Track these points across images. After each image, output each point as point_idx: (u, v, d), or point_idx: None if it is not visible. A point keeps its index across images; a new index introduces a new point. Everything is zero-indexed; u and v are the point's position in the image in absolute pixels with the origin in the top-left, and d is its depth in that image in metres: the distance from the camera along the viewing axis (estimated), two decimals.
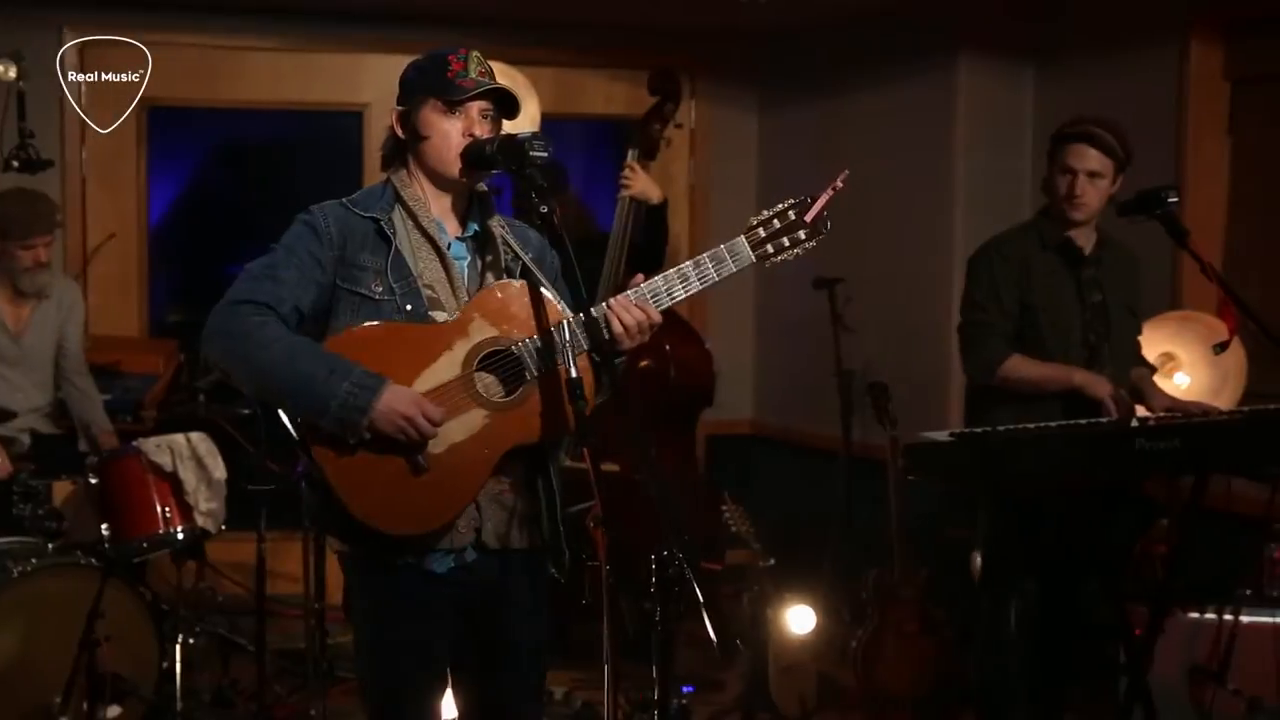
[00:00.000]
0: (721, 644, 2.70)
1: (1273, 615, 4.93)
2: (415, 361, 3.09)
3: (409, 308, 3.14)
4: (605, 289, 5.66)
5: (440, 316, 3.16)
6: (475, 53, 3.23)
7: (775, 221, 3.17)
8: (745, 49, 7.49)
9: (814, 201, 3.12)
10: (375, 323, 3.12)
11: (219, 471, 5.10)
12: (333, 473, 3.07)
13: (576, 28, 7.09)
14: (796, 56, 7.33)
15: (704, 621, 2.71)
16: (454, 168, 3.20)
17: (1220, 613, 4.93)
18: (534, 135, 3.08)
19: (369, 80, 6.95)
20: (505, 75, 6.45)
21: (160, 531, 5.01)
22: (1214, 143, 5.85)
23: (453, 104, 3.17)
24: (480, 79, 3.20)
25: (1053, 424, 4.19)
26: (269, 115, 7.36)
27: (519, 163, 3.07)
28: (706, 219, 7.44)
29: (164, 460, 5.01)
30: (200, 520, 5.06)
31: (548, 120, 6.51)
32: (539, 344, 3.12)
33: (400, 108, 3.27)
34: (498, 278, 3.24)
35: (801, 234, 3.18)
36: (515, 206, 5.09)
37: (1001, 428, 4.07)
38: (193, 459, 5.05)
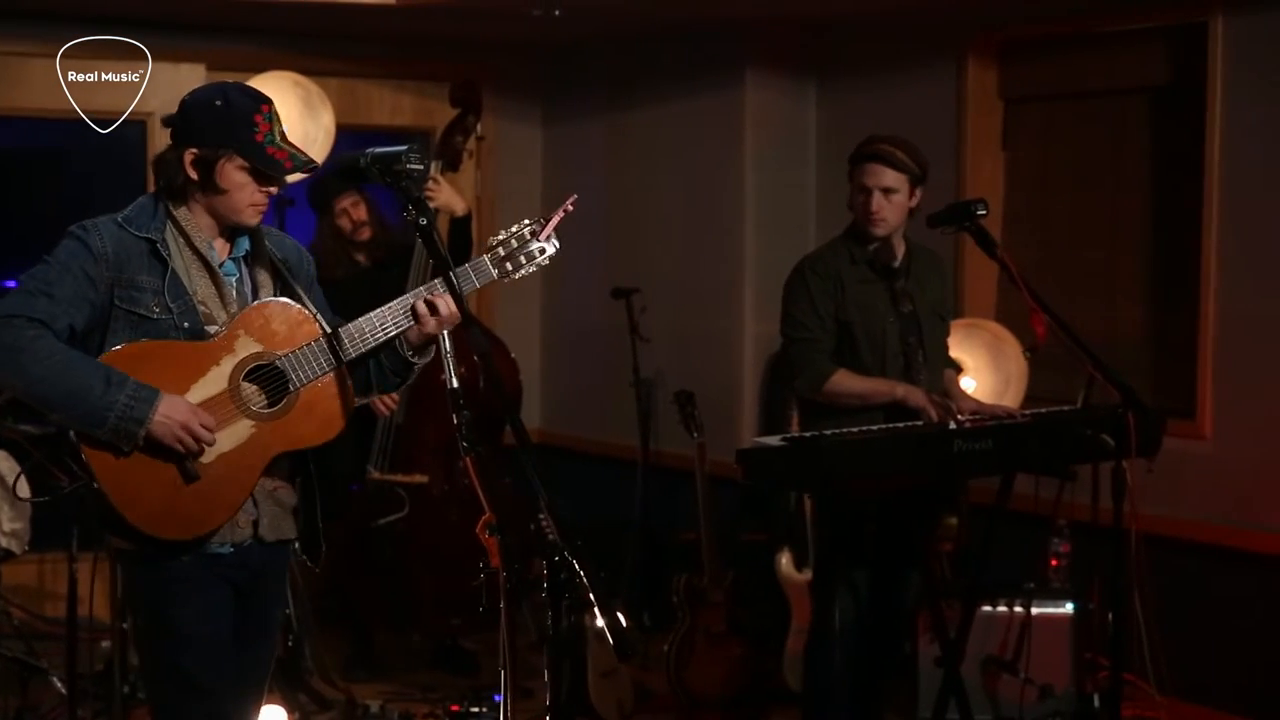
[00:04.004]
0: (619, 644, 2.75)
1: (1059, 606, 5.22)
2: (185, 376, 3.24)
3: (186, 325, 3.26)
4: None
5: (213, 331, 3.28)
6: (273, 107, 3.29)
7: (513, 241, 3.38)
8: (530, 62, 7.55)
9: (547, 222, 3.37)
10: (146, 340, 3.23)
11: (22, 490, 4.93)
12: (107, 482, 3.18)
13: (363, 38, 7.05)
14: (582, 70, 7.42)
15: (598, 621, 2.75)
16: (247, 217, 3.29)
17: (1011, 606, 5.20)
18: (409, 148, 3.12)
19: (152, 89, 6.76)
20: (299, 85, 6.41)
21: None
22: (990, 159, 6.15)
23: (264, 176, 3.25)
24: (292, 151, 3.26)
25: (875, 428, 4.38)
26: (43, 123, 7.11)
27: (393, 176, 3.11)
28: (493, 230, 7.42)
29: None
30: (4, 540, 4.90)
31: (336, 131, 6.47)
32: (301, 357, 3.27)
33: (195, 150, 3.24)
34: (267, 291, 3.38)
35: (536, 252, 3.38)
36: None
37: (830, 432, 4.24)
38: None
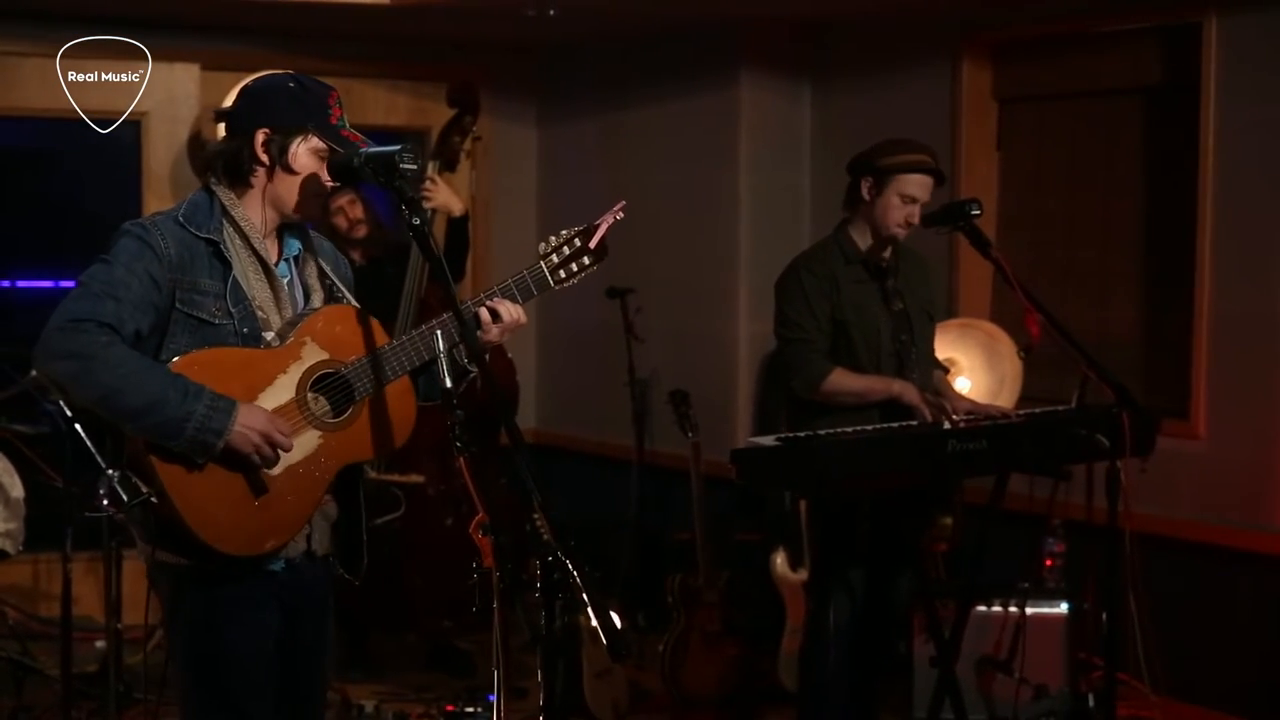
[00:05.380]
0: (612, 645, 2.76)
1: (1054, 607, 5.22)
2: (254, 384, 3.12)
3: (245, 330, 3.15)
4: (407, 301, 5.66)
5: (269, 336, 3.18)
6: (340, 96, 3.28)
7: (565, 249, 3.38)
8: (525, 62, 7.55)
9: (596, 229, 3.39)
10: (215, 347, 3.12)
11: (17, 490, 4.94)
12: (178, 497, 3.05)
13: (358, 38, 7.05)
14: (577, 70, 7.43)
15: (592, 621, 2.76)
16: (307, 209, 3.23)
17: (1005, 606, 5.20)
18: (404, 148, 3.09)
19: (147, 90, 6.76)
20: None
21: None
22: (984, 160, 6.16)
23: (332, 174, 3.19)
24: (363, 137, 3.22)
25: (869, 427, 4.38)
26: (35, 123, 7.10)
27: (388, 175, 3.08)
28: (489, 230, 7.47)
29: None
30: None
31: None
32: (367, 365, 3.19)
33: (269, 130, 3.18)
34: (317, 293, 3.30)
35: (587, 259, 3.40)
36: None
37: (824, 432, 4.24)
38: None
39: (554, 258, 3.36)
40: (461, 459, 2.98)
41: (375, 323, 3.27)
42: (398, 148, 3.10)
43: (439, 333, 3.12)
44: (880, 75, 6.42)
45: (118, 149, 6.89)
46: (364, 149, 3.14)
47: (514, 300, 3.29)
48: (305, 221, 3.30)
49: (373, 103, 7.25)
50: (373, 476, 5.77)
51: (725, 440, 5.65)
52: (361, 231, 5.84)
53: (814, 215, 6.57)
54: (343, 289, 3.33)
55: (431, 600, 5.79)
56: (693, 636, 5.56)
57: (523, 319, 3.30)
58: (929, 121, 6.03)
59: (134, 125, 6.83)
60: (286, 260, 3.28)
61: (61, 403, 4.42)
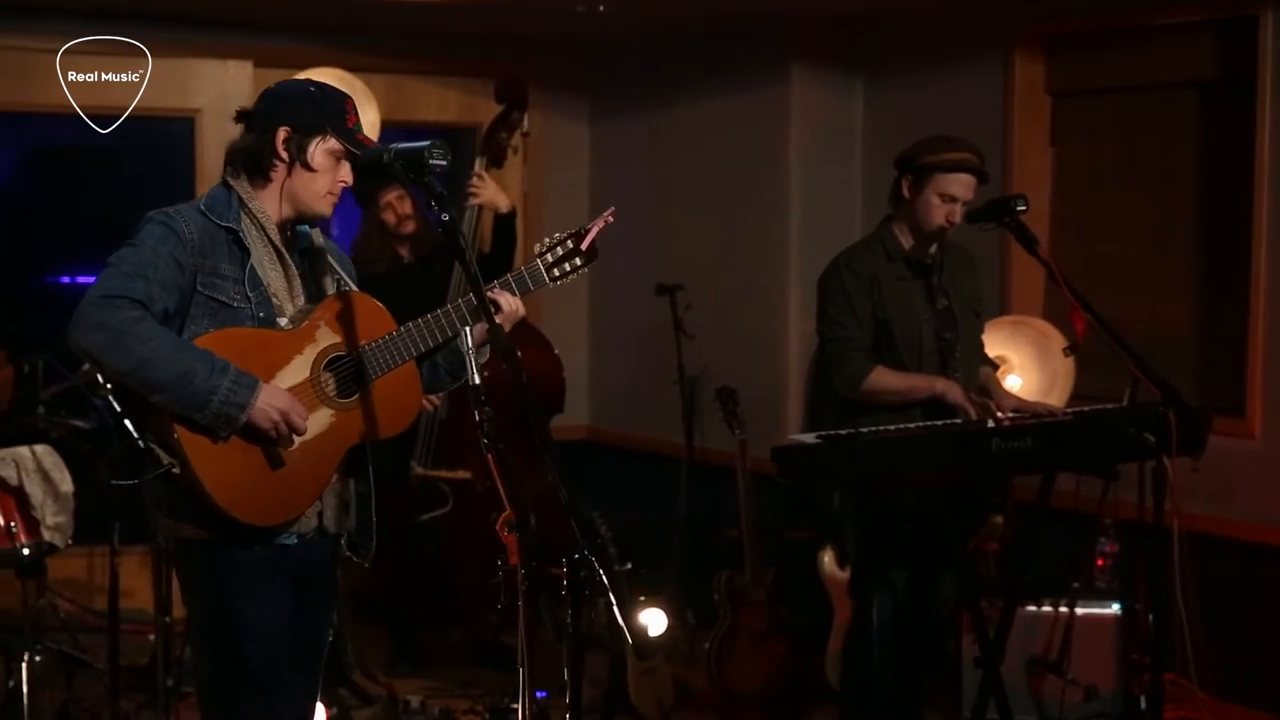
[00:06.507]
0: (637, 644, 2.74)
1: (1105, 607, 5.17)
2: (272, 363, 3.30)
3: (261, 314, 3.32)
4: (454, 297, 5.65)
5: (282, 322, 3.35)
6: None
7: (559, 249, 3.51)
8: (577, 58, 7.55)
9: (588, 232, 3.50)
10: (237, 327, 3.29)
11: (66, 484, 4.99)
12: (200, 466, 3.21)
13: (409, 35, 7.07)
14: (628, 66, 7.41)
15: (618, 621, 2.75)
16: (324, 204, 3.39)
17: (1056, 606, 5.15)
18: (433, 144, 3.12)
19: (200, 86, 6.82)
20: (344, 82, 6.39)
21: (6, 547, 4.87)
22: (1037, 156, 6.09)
23: (354, 159, 3.34)
24: (368, 139, 3.40)
25: (912, 425, 4.34)
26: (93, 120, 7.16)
27: (418, 172, 3.12)
28: (540, 226, 7.46)
29: (9, 474, 4.88)
30: (47, 534, 4.93)
31: (382, 127, 6.49)
32: (376, 349, 3.36)
33: (289, 129, 3.33)
34: (318, 284, 3.46)
35: (579, 260, 3.51)
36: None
37: (866, 429, 4.21)
38: (38, 472, 4.93)
39: (549, 257, 3.50)
40: (490, 455, 2.99)
41: (384, 309, 3.44)
42: (427, 143, 3.12)
43: (467, 330, 3.14)
44: (932, 70, 6.36)
45: (176, 146, 6.96)
46: (394, 145, 3.22)
47: (512, 293, 3.45)
48: (317, 218, 3.43)
49: (424, 99, 7.27)
50: (420, 472, 5.80)
51: (775, 438, 5.59)
52: (410, 227, 5.83)
53: (865, 212, 6.52)
54: (350, 284, 3.49)
55: (478, 596, 5.79)
56: (739, 635, 5.54)
57: (521, 310, 3.47)
58: (981, 116, 5.98)
59: (188, 122, 6.90)
60: (299, 253, 3.45)
61: (110, 398, 4.45)
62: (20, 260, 7.45)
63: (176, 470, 3.20)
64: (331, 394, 3.34)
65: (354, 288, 3.48)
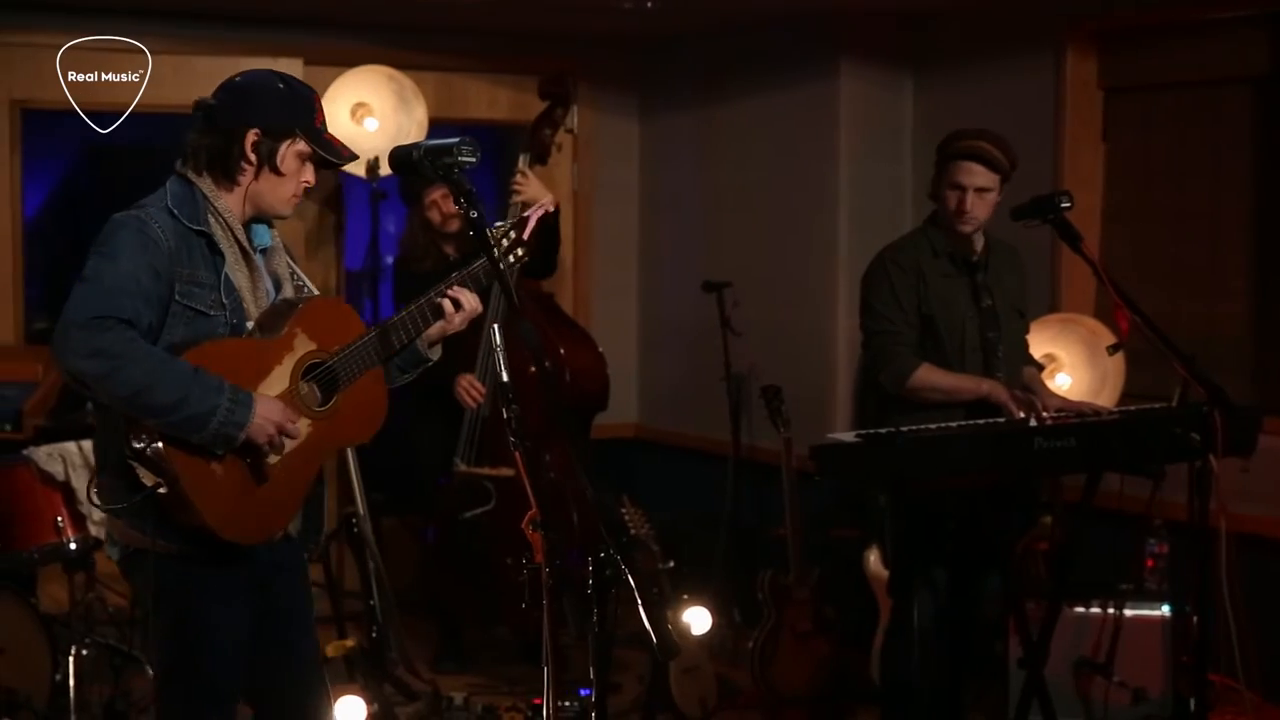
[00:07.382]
0: (662, 644, 2.72)
1: (1154, 609, 5.10)
2: (254, 375, 3.22)
3: (234, 321, 3.25)
4: (496, 294, 5.66)
5: (249, 325, 3.27)
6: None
7: (504, 240, 3.49)
8: (626, 55, 7.53)
9: (526, 223, 3.52)
10: (213, 338, 3.19)
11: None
12: (189, 485, 3.12)
13: (459, 32, 7.08)
14: (678, 62, 7.39)
15: (642, 621, 2.73)
16: (285, 209, 3.34)
17: (1105, 607, 5.08)
18: (462, 140, 3.11)
19: None
20: (393, 79, 6.47)
21: (54, 541, 4.92)
22: (1089, 150, 6.01)
23: (321, 160, 3.29)
24: (342, 141, 3.36)
25: (954, 424, 4.30)
26: (146, 118, 7.21)
27: (444, 168, 3.10)
28: (590, 225, 7.47)
29: (56, 469, 4.92)
30: (94, 529, 4.97)
31: (431, 124, 6.51)
32: (349, 355, 3.30)
33: (259, 131, 3.23)
34: (287, 283, 3.41)
35: (521, 250, 3.52)
36: None
37: (906, 428, 4.17)
38: (85, 467, 4.96)
39: (504, 242, 3.48)
40: (517, 453, 2.98)
41: (353, 311, 3.41)
42: (456, 140, 3.11)
43: (496, 327, 3.13)
44: (983, 65, 6.30)
45: None
46: (422, 142, 3.21)
47: (470, 290, 3.41)
48: (278, 218, 3.37)
49: (474, 96, 7.26)
50: (463, 469, 5.81)
51: (821, 436, 5.56)
52: (454, 225, 5.83)
53: (914, 210, 6.46)
54: (304, 279, 3.45)
55: (522, 593, 5.78)
56: (783, 634, 5.51)
57: (479, 306, 3.43)
58: (1032, 112, 5.93)
59: None
60: (259, 251, 3.37)
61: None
62: (74, 260, 7.49)
63: (163, 490, 3.09)
64: (310, 403, 3.27)
65: (310, 285, 3.45)
